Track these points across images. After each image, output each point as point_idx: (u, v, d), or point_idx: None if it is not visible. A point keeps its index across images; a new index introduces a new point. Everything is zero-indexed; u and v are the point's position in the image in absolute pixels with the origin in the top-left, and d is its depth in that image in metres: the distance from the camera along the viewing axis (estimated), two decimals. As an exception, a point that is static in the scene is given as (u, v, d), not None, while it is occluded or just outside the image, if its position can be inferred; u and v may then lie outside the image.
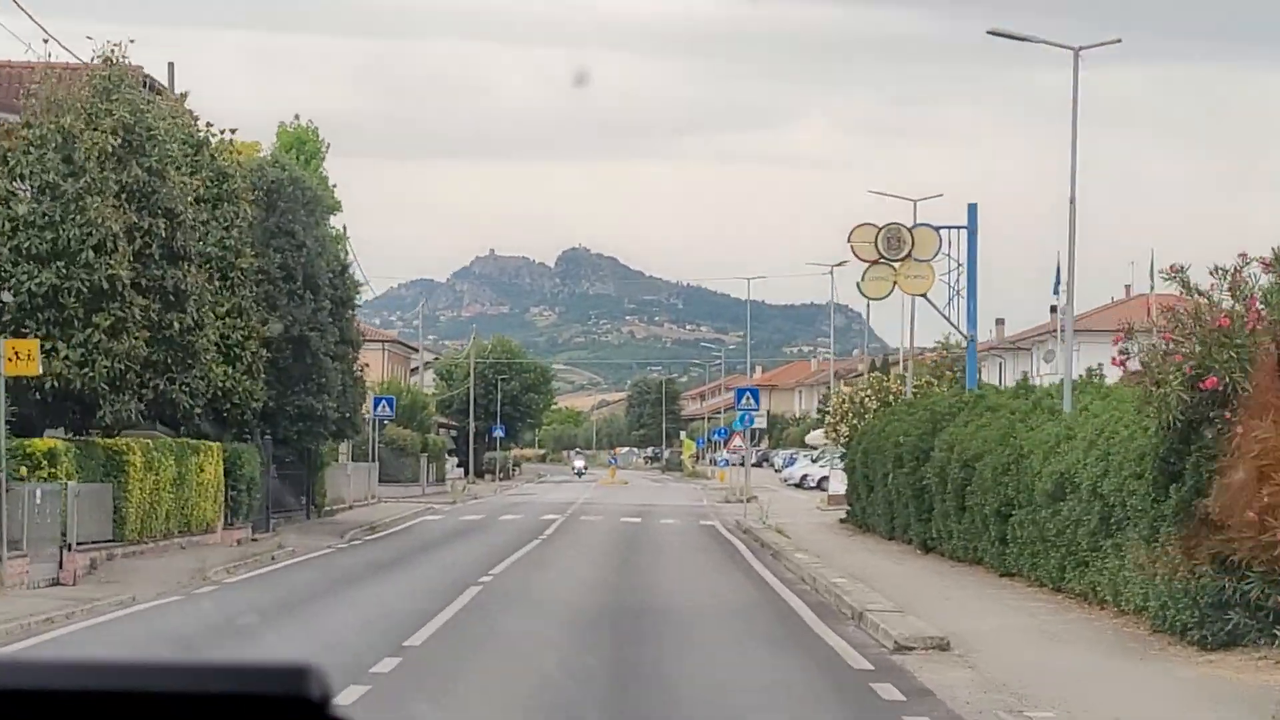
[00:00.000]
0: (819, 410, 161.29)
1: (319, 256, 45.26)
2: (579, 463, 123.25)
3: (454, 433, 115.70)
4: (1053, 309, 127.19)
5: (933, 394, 44.94)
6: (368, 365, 70.30)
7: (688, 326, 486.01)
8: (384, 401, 61.65)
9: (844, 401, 52.32)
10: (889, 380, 52.42)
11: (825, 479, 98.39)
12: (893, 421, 44.02)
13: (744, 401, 54.72)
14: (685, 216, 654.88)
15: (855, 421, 51.32)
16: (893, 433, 42.28)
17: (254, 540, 41.11)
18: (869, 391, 51.71)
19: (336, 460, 58.29)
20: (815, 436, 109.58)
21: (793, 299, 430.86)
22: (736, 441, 75.47)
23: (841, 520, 54.18)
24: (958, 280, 41.84)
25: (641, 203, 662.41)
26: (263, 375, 41.22)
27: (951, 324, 42.11)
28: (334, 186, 55.25)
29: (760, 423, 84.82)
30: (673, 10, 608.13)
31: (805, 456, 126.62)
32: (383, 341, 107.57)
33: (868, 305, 60.97)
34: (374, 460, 63.36)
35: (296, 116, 56.37)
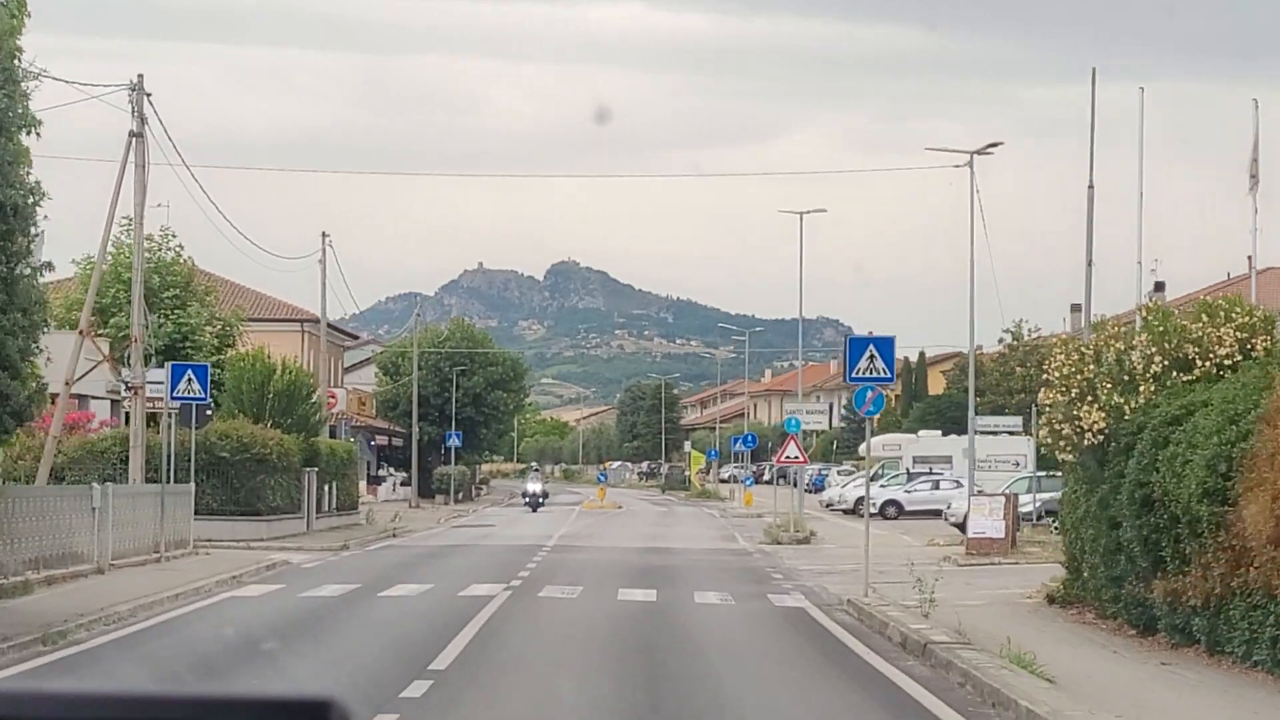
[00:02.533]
0: (843, 413, 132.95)
1: None
2: (533, 486, 75.64)
3: (398, 441, 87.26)
4: (1159, 285, 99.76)
5: None
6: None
7: (678, 341, 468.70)
8: (189, 373, 33.15)
9: (1083, 362, 23.97)
10: (1194, 318, 23.72)
11: (894, 504, 70.41)
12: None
13: (863, 364, 26.32)
14: (675, 230, 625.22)
15: (1122, 400, 23.08)
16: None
17: None
18: (1148, 340, 23.35)
19: (70, 478, 30.02)
20: (873, 445, 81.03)
21: (782, 313, 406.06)
22: (792, 450, 47.25)
23: (1052, 600, 26.33)
24: None
25: (631, 216, 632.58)
26: None
27: None
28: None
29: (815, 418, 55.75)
30: (663, 25, 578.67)
31: (843, 472, 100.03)
32: (300, 321, 79.29)
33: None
34: (168, 478, 34.48)
35: None
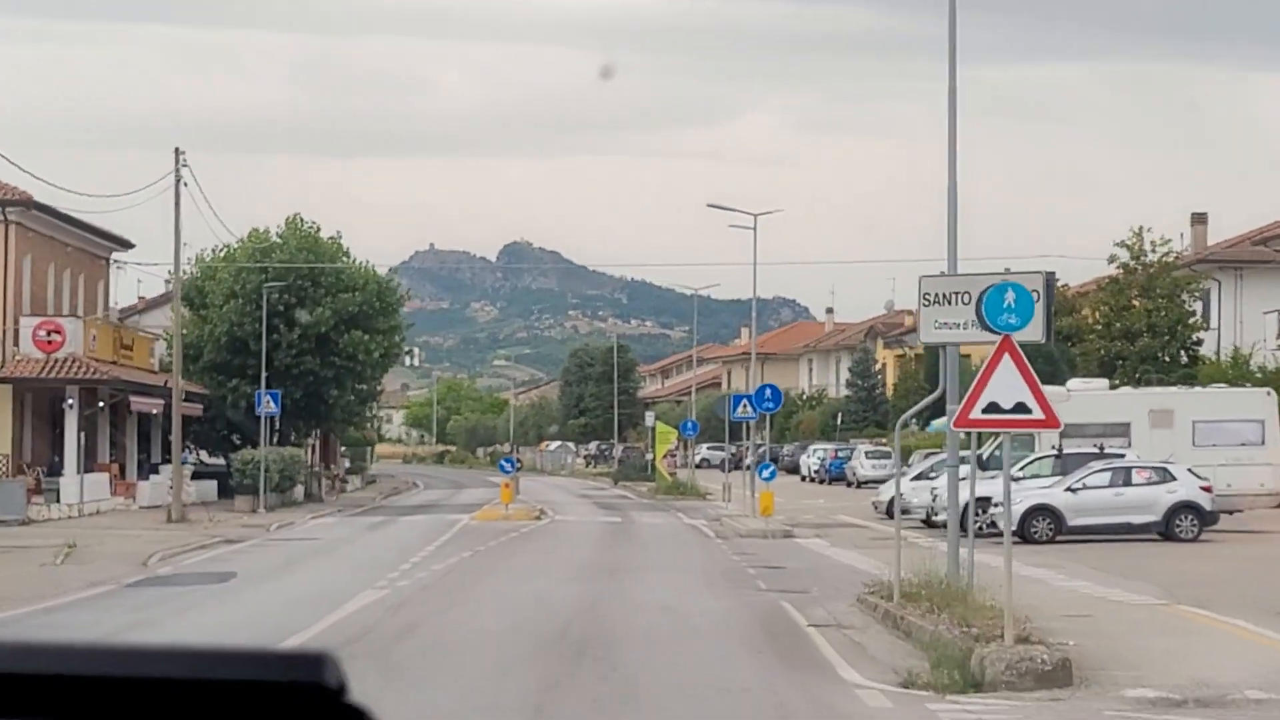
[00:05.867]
0: (848, 377, 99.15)
1: None
2: None
3: (201, 406, 52.62)
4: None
5: None
6: None
7: (632, 321, 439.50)
8: None
9: None
10: None
11: (1046, 513, 36.08)
12: None
13: None
14: (630, 211, 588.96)
15: None
16: None
17: None
18: None
19: None
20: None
21: (739, 294, 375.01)
22: (1017, 394, 13.42)
23: None
24: None
25: (585, 197, 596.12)
26: None
27: None
28: None
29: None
30: (612, 4, 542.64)
31: (872, 454, 66.81)
32: (2, 204, 45.11)
33: None
34: None
35: None
